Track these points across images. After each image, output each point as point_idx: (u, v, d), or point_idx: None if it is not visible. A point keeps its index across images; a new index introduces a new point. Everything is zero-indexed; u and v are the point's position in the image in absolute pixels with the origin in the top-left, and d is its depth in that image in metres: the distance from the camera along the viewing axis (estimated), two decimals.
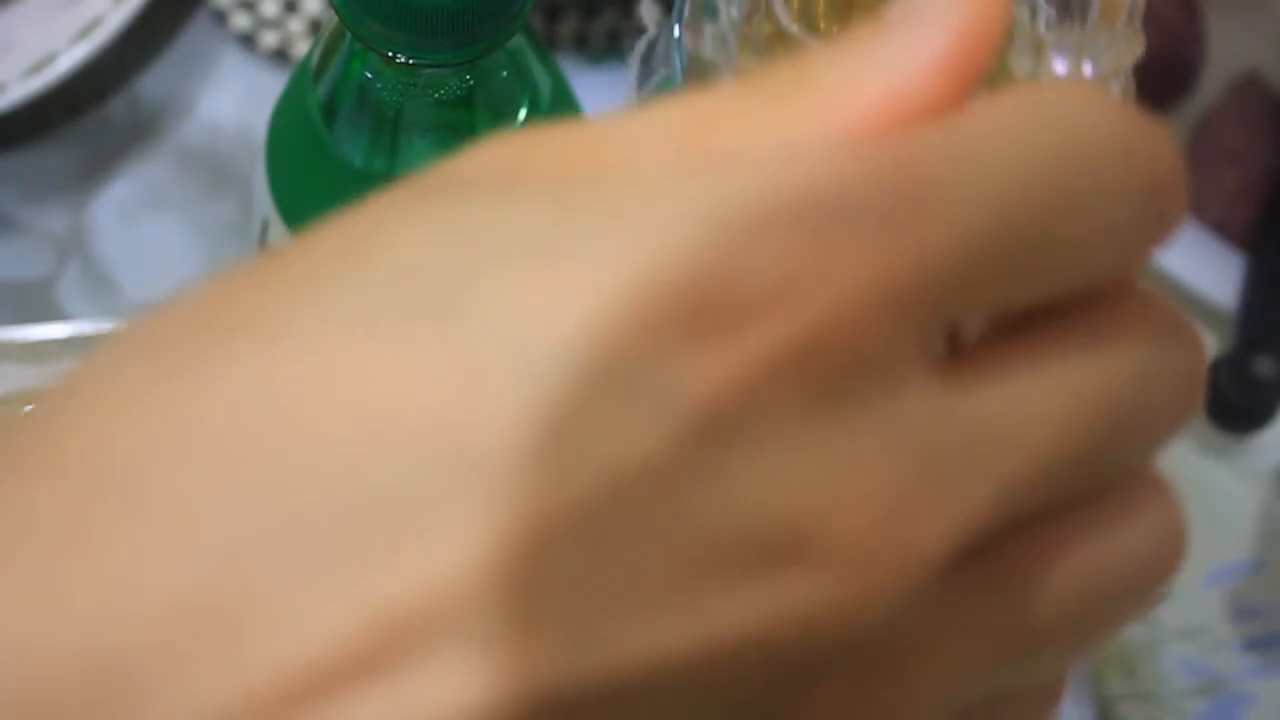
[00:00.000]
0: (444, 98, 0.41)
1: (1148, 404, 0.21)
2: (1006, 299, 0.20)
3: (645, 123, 0.20)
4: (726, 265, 0.18)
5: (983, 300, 0.20)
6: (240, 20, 0.57)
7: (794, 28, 0.31)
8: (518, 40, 0.41)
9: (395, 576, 0.18)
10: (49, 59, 0.53)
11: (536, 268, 0.19)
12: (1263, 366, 0.53)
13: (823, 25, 0.31)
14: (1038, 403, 0.20)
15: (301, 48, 0.57)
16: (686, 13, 0.33)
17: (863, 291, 0.19)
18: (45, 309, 0.53)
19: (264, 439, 0.18)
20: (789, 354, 0.19)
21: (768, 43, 0.31)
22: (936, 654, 0.20)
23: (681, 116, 0.20)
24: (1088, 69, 0.29)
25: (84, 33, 0.53)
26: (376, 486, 0.18)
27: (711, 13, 0.32)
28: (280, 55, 0.57)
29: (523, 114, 0.43)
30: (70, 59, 0.53)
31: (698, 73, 0.32)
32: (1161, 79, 0.55)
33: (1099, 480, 0.21)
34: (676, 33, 0.40)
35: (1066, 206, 0.20)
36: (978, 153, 0.19)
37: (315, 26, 0.57)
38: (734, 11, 0.31)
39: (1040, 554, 0.21)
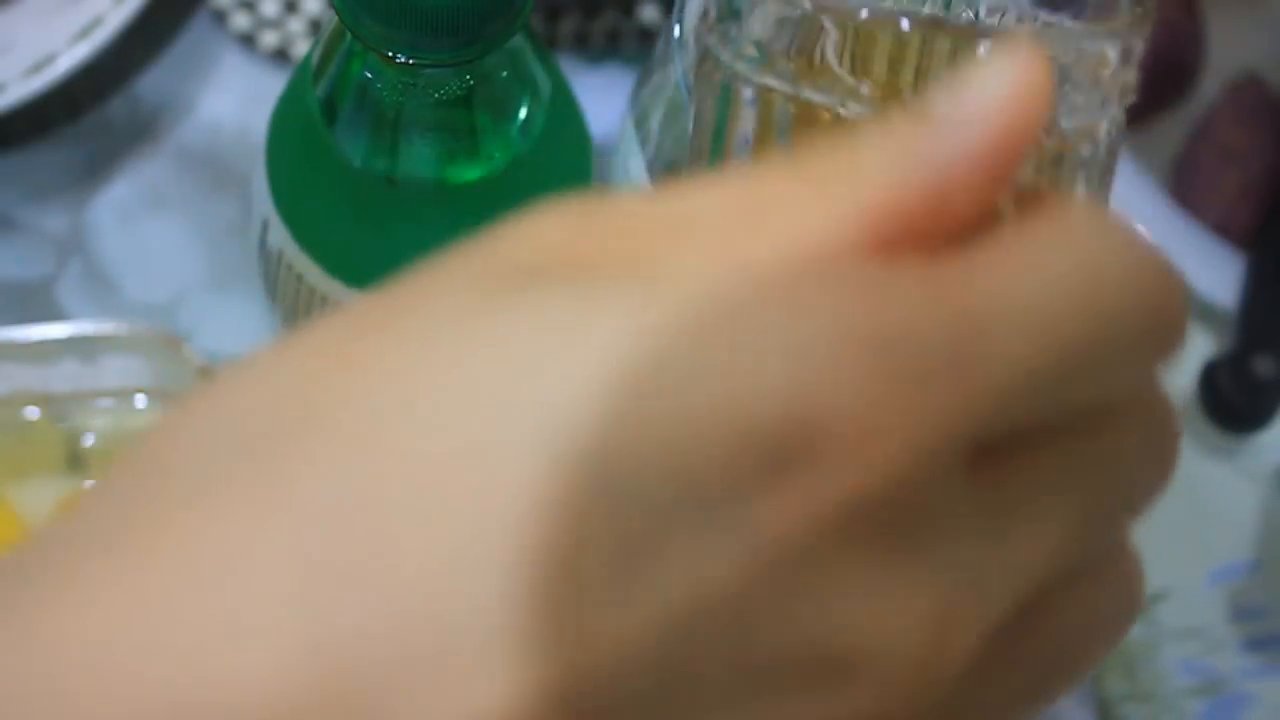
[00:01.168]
0: (444, 98, 0.41)
1: (1130, 492, 0.24)
2: (1033, 422, 0.23)
3: (692, 207, 0.22)
4: (806, 403, 0.20)
5: (1015, 424, 0.22)
6: (240, 20, 0.57)
7: (844, 73, 0.30)
8: (518, 40, 0.41)
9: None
10: (49, 59, 0.53)
11: (612, 393, 0.20)
12: (1263, 366, 0.53)
13: (875, 72, 0.31)
14: (1049, 505, 0.23)
15: (301, 48, 0.57)
16: (711, 12, 0.32)
17: (932, 442, 0.21)
18: (45, 309, 0.53)
19: (342, 531, 0.20)
20: (863, 500, 0.20)
21: (796, 73, 0.30)
22: None
23: (728, 204, 0.22)
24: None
25: (84, 33, 0.53)
26: (420, 621, 0.20)
27: (734, 15, 0.31)
28: (280, 55, 0.57)
29: (523, 114, 0.43)
30: (70, 59, 0.53)
31: (709, 71, 0.32)
32: (1161, 79, 0.55)
33: (1093, 544, 0.24)
34: (677, 33, 0.40)
35: (1098, 345, 0.22)
36: (1025, 301, 0.22)
37: (315, 26, 0.57)
38: (756, 27, 0.30)
39: (1045, 615, 0.23)
